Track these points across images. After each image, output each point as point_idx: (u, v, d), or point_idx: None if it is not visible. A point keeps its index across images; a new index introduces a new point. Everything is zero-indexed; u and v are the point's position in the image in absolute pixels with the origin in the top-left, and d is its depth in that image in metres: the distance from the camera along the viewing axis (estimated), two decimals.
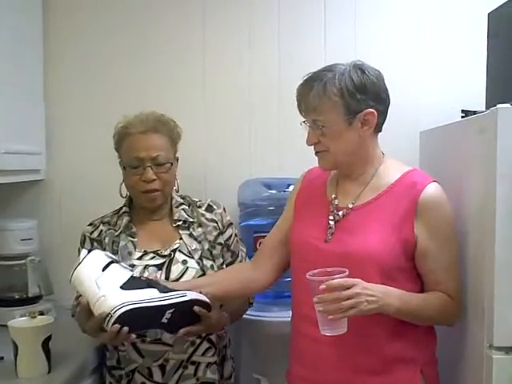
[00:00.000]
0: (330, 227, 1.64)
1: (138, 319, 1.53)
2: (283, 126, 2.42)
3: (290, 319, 1.86)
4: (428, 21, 2.38)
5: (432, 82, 2.38)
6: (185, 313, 1.58)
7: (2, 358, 1.77)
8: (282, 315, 2.09)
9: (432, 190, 1.58)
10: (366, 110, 1.57)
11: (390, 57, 2.37)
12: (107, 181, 2.31)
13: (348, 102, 1.55)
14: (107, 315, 1.50)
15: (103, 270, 1.59)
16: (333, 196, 1.69)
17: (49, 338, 1.67)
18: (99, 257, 1.63)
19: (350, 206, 1.64)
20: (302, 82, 1.62)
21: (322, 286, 1.43)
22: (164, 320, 1.57)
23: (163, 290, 1.57)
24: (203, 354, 1.82)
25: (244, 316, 1.98)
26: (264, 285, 1.80)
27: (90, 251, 1.65)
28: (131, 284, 1.57)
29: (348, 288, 1.43)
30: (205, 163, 2.42)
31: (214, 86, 2.44)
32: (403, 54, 2.39)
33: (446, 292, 1.58)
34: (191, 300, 1.58)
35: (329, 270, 1.47)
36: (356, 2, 2.40)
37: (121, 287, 1.55)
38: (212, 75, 2.44)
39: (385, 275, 1.53)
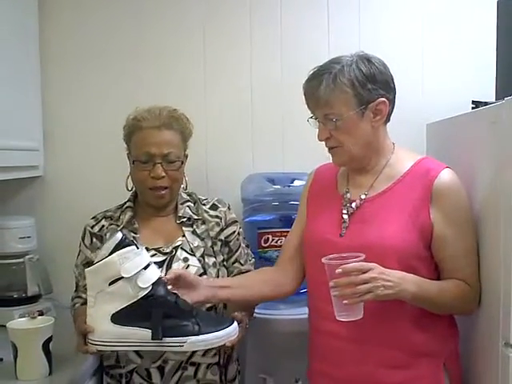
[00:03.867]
0: (344, 221, 1.62)
1: None
2: (286, 119, 2.38)
3: (296, 317, 1.85)
4: (435, 9, 2.34)
5: (438, 72, 2.34)
6: None
7: (1, 359, 1.74)
8: (288, 313, 2.07)
9: (446, 175, 1.57)
10: (378, 100, 1.57)
11: (396, 46, 2.32)
12: (107, 176, 2.32)
13: (359, 92, 1.55)
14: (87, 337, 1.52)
15: (109, 285, 1.49)
16: (345, 190, 1.68)
17: (49, 340, 1.63)
18: (114, 265, 1.48)
19: (363, 197, 1.63)
20: (308, 77, 1.61)
21: (338, 270, 1.41)
22: None
23: (157, 336, 1.47)
24: (204, 355, 1.77)
25: None
26: (291, 289, 1.76)
27: (118, 246, 1.49)
28: (127, 314, 1.48)
29: (364, 272, 1.42)
30: (206, 158, 2.38)
31: (216, 80, 2.39)
32: (409, 43, 2.35)
33: (463, 279, 1.57)
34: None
35: (344, 255, 1.46)
36: None
37: (111, 318, 1.49)
38: (213, 69, 2.39)
39: (403, 264, 1.51)
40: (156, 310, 1.48)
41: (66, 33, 2.40)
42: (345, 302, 1.42)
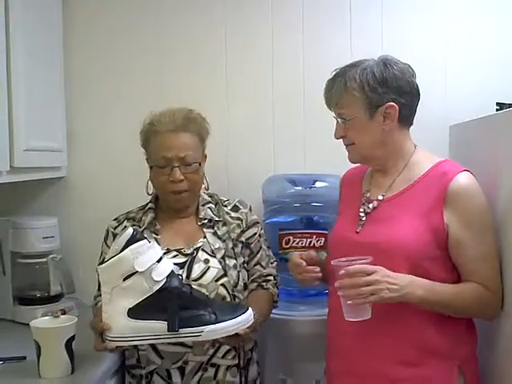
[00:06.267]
0: (360, 219, 1.66)
1: None
2: (308, 120, 2.38)
3: (317, 318, 1.91)
4: (458, 9, 2.32)
5: (462, 73, 2.32)
6: None
7: (25, 357, 1.75)
8: (309, 314, 2.07)
9: (462, 178, 1.57)
10: (387, 104, 1.59)
11: (419, 47, 2.31)
12: (129, 177, 2.33)
13: (368, 95, 1.58)
14: (105, 334, 1.53)
15: (124, 280, 1.50)
16: (366, 189, 1.72)
17: (72, 338, 1.64)
18: (128, 261, 1.49)
19: (380, 197, 1.67)
20: (328, 77, 1.67)
21: (342, 272, 1.47)
22: None
23: (174, 327, 1.48)
24: (223, 357, 1.77)
25: (270, 315, 1.92)
26: None
27: (130, 241, 1.51)
28: (143, 308, 1.49)
29: (369, 274, 1.46)
30: (228, 159, 2.39)
31: (237, 81, 2.40)
32: (432, 44, 2.33)
33: (482, 283, 1.55)
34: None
35: (352, 258, 1.50)
36: None
37: (128, 313, 1.50)
38: (235, 69, 2.40)
39: (414, 264, 1.53)
40: (171, 302, 1.50)
41: (89, 33, 2.43)
42: (348, 302, 1.47)
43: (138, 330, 1.50)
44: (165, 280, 1.51)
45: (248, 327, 1.55)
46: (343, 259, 1.51)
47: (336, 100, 1.63)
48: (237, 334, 1.54)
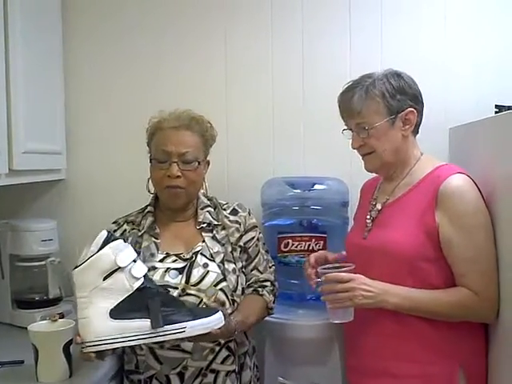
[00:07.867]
0: (367, 225, 1.76)
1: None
2: (307, 123, 2.38)
3: (315, 323, 1.96)
4: (457, 12, 2.32)
5: (461, 76, 2.32)
6: None
7: (23, 361, 1.75)
8: (308, 318, 2.06)
9: (453, 180, 1.62)
10: (407, 110, 1.68)
11: (417, 50, 2.32)
12: (129, 180, 2.33)
13: (389, 102, 1.66)
14: (83, 342, 1.50)
15: (104, 279, 1.49)
16: (374, 197, 1.82)
17: (70, 342, 1.63)
18: (108, 257, 1.49)
19: (384, 202, 1.75)
20: (343, 90, 1.73)
21: (322, 278, 1.61)
22: None
23: (158, 323, 1.48)
24: (222, 362, 1.76)
25: (269, 319, 1.92)
26: None
27: (107, 241, 1.52)
28: (125, 308, 1.49)
29: (346, 282, 1.58)
30: (227, 162, 2.39)
31: (237, 84, 2.40)
32: (431, 47, 2.33)
33: (469, 286, 1.58)
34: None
35: (337, 265, 1.66)
36: None
37: (110, 314, 1.49)
38: (234, 73, 2.40)
39: (412, 266, 1.61)
40: (153, 299, 1.50)
41: (89, 36, 2.43)
42: (329, 306, 1.61)
43: (122, 330, 1.49)
44: (143, 279, 1.52)
45: (219, 328, 1.54)
46: (329, 266, 1.65)
47: (359, 108, 1.66)
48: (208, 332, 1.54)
